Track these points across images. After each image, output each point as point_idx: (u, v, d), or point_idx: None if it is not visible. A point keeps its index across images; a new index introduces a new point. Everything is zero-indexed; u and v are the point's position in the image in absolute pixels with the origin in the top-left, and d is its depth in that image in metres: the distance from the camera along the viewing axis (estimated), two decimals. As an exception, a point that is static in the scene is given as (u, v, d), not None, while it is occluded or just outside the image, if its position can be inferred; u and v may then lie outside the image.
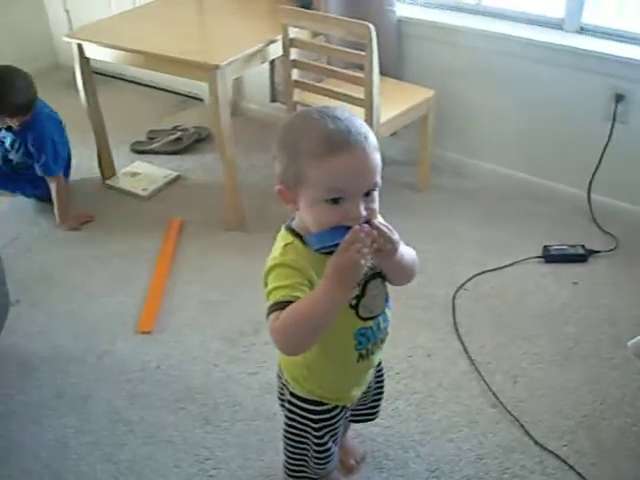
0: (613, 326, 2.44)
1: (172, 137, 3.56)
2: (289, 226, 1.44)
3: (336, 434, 1.68)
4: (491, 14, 3.06)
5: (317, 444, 1.65)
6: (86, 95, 3.12)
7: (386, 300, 1.54)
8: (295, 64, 2.82)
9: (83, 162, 3.44)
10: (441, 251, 2.84)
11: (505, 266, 2.73)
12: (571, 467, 1.97)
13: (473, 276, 2.68)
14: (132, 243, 2.95)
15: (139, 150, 3.55)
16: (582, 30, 2.86)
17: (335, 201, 1.30)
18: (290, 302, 1.33)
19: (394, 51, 3.09)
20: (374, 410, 1.89)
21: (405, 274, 1.51)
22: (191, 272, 2.78)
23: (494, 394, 2.20)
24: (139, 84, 4.17)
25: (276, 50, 2.86)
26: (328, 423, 1.63)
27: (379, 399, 1.87)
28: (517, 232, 2.92)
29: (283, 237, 1.44)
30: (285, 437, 1.69)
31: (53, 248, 2.96)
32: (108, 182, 3.32)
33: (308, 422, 1.62)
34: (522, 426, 2.09)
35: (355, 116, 1.35)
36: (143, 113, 3.95)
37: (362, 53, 2.59)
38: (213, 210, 3.11)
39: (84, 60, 3.02)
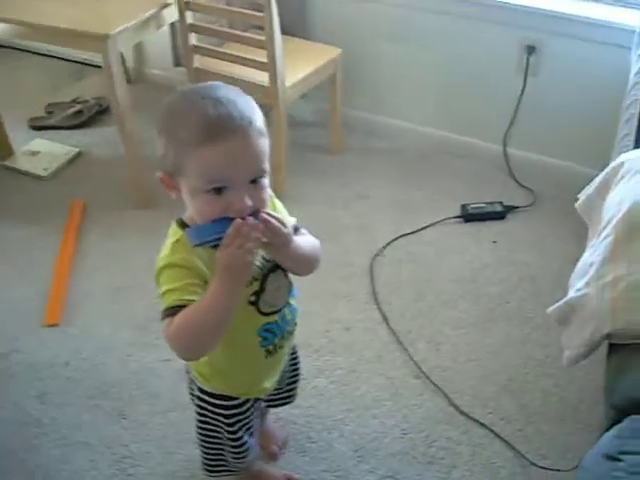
0: (534, 284, 2.43)
1: (72, 110, 3.36)
2: (180, 219, 1.34)
3: (250, 426, 1.61)
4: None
5: (232, 439, 1.58)
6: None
7: (290, 291, 1.46)
8: (192, 28, 2.67)
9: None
10: (357, 216, 2.77)
11: (423, 228, 2.68)
12: (497, 435, 1.95)
13: (391, 241, 2.62)
14: (33, 229, 2.77)
15: (38, 126, 3.34)
16: (491, -21, 2.78)
17: (218, 191, 1.20)
18: (183, 306, 1.24)
19: (297, 9, 2.96)
20: (290, 394, 1.82)
21: (304, 266, 1.43)
22: (97, 257, 2.63)
23: (416, 364, 2.16)
24: (33, 53, 3.89)
25: (172, 14, 2.70)
26: (241, 417, 1.56)
27: (295, 382, 1.80)
28: (434, 191, 2.87)
29: (173, 232, 1.34)
30: (198, 433, 1.62)
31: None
32: (5, 163, 3.11)
33: (219, 417, 1.55)
34: (446, 396, 2.06)
35: (241, 96, 1.25)
36: (39, 85, 3.71)
37: (261, 14, 2.45)
38: (119, 187, 2.94)
39: (-31, 33, 2.80)
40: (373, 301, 2.39)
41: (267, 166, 1.25)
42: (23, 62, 3.90)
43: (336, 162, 3.08)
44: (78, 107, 3.38)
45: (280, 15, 2.49)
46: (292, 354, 1.72)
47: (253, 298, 1.37)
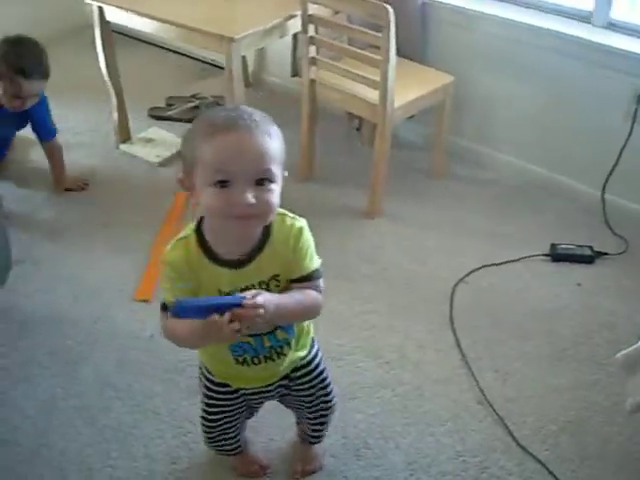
0: (612, 332, 2.40)
1: (190, 105, 3.55)
2: (201, 219, 1.43)
3: (230, 417, 1.71)
4: (519, 2, 2.98)
5: (203, 411, 1.71)
6: (105, 58, 3.11)
7: (282, 326, 1.51)
8: (312, 41, 2.78)
9: (99, 125, 3.45)
10: (447, 241, 2.81)
11: (510, 261, 2.69)
12: (550, 472, 1.96)
13: (476, 269, 2.65)
14: (139, 211, 2.95)
15: (156, 116, 3.54)
16: (610, 26, 2.78)
17: (223, 185, 1.27)
18: None
19: (416, 34, 3.04)
20: (313, 434, 1.88)
21: (293, 321, 1.52)
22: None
23: (481, 391, 2.18)
24: (162, 48, 4.13)
25: (296, 25, 2.83)
26: (220, 401, 1.68)
27: (317, 423, 1.83)
28: (526, 227, 2.88)
29: (187, 228, 1.45)
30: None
31: (59, 211, 2.97)
32: (122, 146, 3.32)
33: (204, 389, 1.70)
34: (506, 426, 2.08)
35: (260, 113, 1.33)
36: (163, 78, 3.93)
37: (379, 35, 2.54)
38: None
39: (104, 23, 3.01)
40: (449, 325, 2.42)
41: (277, 170, 1.30)
42: (154, 56, 4.14)
43: (435, 187, 3.13)
44: (196, 102, 3.56)
45: (399, 37, 2.56)
46: (325, 396, 1.74)
47: None
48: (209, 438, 1.77)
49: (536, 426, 2.09)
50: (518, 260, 2.71)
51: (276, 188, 1.30)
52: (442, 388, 2.21)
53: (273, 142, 1.29)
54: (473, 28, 3.01)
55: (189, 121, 3.47)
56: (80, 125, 3.49)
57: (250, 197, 1.26)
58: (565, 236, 2.78)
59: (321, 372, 1.70)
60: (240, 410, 1.72)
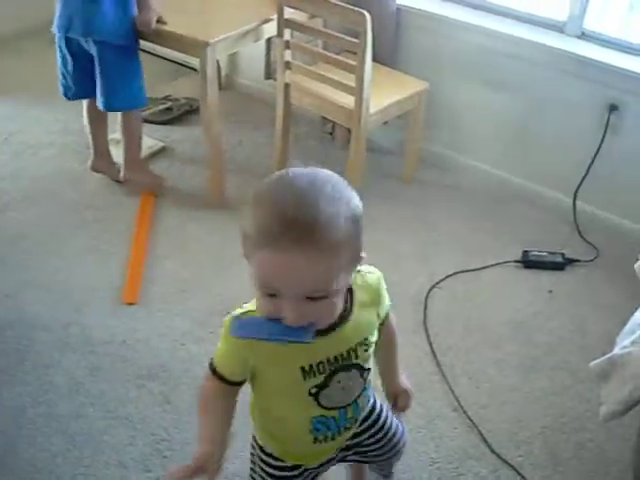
0: (584, 338, 2.43)
1: (162, 106, 3.52)
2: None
3: None
4: (493, 11, 3.01)
5: None
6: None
7: (362, 390, 1.36)
8: (288, 45, 2.78)
9: (70, 125, 3.40)
10: (419, 246, 2.82)
11: (482, 267, 2.71)
12: (524, 478, 1.97)
13: (449, 275, 2.66)
14: (109, 213, 2.93)
15: (128, 117, 3.50)
16: (583, 35, 2.82)
17: (271, 295, 1.11)
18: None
19: (390, 39, 3.05)
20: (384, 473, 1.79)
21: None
22: (167, 247, 2.76)
23: (456, 398, 2.19)
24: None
25: (271, 29, 2.82)
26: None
27: (383, 460, 1.68)
28: (498, 234, 2.90)
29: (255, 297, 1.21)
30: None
31: (28, 211, 2.92)
32: (93, 149, 3.27)
33: (264, 471, 1.48)
34: (480, 433, 2.09)
35: (328, 194, 1.08)
36: (136, 79, 3.88)
37: (355, 40, 2.54)
38: (195, 185, 3.08)
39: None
40: (423, 331, 2.43)
41: (334, 286, 1.10)
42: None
43: (408, 192, 3.14)
44: (168, 104, 3.53)
45: (373, 43, 2.57)
46: (395, 441, 1.62)
47: (314, 390, 1.28)
48: None
49: (510, 433, 2.11)
50: (490, 266, 2.73)
51: (335, 299, 1.13)
52: (416, 394, 2.15)
53: (334, 257, 1.07)
54: (446, 35, 3.02)
55: (161, 123, 3.47)
56: (51, 125, 3.44)
57: (296, 316, 1.10)
58: (537, 243, 2.81)
59: (383, 416, 1.57)
60: None
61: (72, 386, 2.19)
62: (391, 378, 1.52)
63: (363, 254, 1.18)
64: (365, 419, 1.50)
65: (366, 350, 1.30)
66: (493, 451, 2.04)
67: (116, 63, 2.71)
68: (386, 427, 1.57)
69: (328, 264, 1.07)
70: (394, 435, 1.60)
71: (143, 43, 2.81)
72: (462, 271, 2.69)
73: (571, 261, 2.74)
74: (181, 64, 3.95)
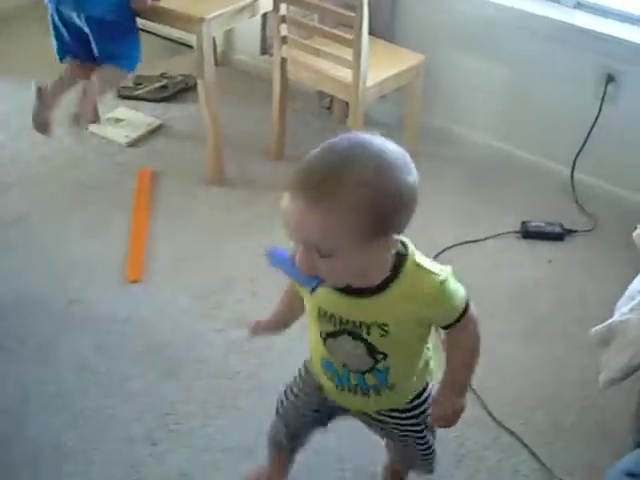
0: (582, 307, 2.45)
1: (158, 84, 3.51)
2: None
3: (289, 407, 1.60)
4: (490, -19, 2.99)
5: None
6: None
7: (378, 371, 1.37)
8: (284, 19, 2.77)
9: (66, 105, 3.38)
10: (419, 218, 2.76)
11: (482, 239, 2.73)
12: (525, 445, 2.00)
13: (448, 247, 2.67)
14: (108, 192, 2.93)
15: (124, 95, 3.49)
16: (579, 5, 2.81)
17: None
18: None
19: (387, 12, 3.03)
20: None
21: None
22: (168, 224, 2.76)
23: (457, 368, 2.21)
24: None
25: (266, 4, 2.81)
26: (297, 388, 1.58)
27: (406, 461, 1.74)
28: (497, 205, 2.91)
29: None
30: None
31: (29, 192, 2.92)
32: (91, 127, 3.26)
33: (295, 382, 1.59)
34: (482, 402, 2.11)
35: (362, 158, 1.13)
36: (131, 57, 3.87)
37: (352, 14, 2.53)
38: (193, 161, 3.08)
39: None
40: (423, 303, 2.45)
41: (333, 246, 1.14)
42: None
43: (405, 165, 3.14)
44: (164, 82, 3.52)
45: (369, 16, 2.56)
46: (421, 452, 1.62)
47: (324, 335, 1.36)
48: (276, 409, 1.65)
49: (511, 401, 2.13)
50: (489, 238, 2.74)
51: (341, 263, 1.16)
52: None
53: (334, 218, 1.10)
54: (442, 7, 3.02)
55: (158, 100, 3.47)
56: (47, 105, 3.43)
57: (301, 264, 1.17)
58: (535, 214, 2.82)
59: (420, 425, 1.54)
60: (314, 408, 1.59)
61: (77, 364, 2.21)
62: (442, 385, 1.45)
63: (396, 237, 1.20)
64: (404, 410, 1.50)
65: (383, 336, 1.30)
66: (495, 419, 2.07)
67: (111, 38, 2.71)
68: (417, 428, 1.54)
69: (327, 223, 1.11)
70: (424, 444, 1.59)
71: (139, 20, 2.80)
72: (461, 243, 2.70)
73: (570, 231, 2.75)
74: (176, 41, 3.92)
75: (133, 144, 3.20)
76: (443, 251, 2.65)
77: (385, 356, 1.34)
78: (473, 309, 1.38)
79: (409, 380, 1.45)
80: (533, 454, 1.98)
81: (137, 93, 3.49)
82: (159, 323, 2.35)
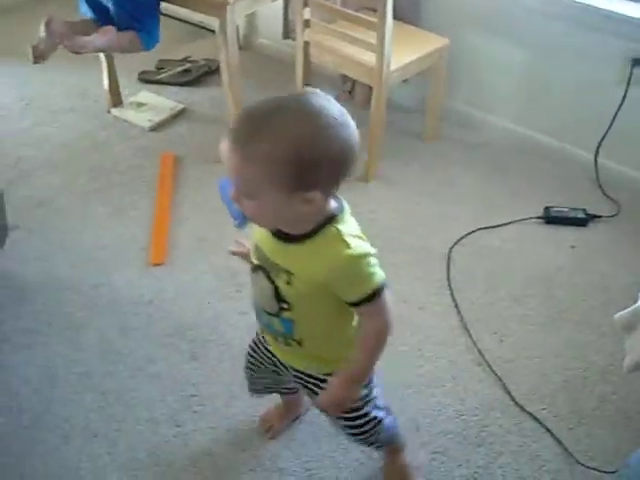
0: (605, 293, 2.44)
1: (181, 68, 3.52)
2: None
3: (252, 364, 1.73)
4: (513, -36, 2.96)
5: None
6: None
7: (284, 320, 1.42)
8: (306, 2, 2.76)
9: (90, 89, 3.42)
10: (441, 204, 2.83)
11: (504, 224, 2.72)
12: (547, 430, 2.00)
13: (471, 232, 2.67)
14: (131, 175, 2.95)
15: (147, 79, 3.51)
16: (605, -12, 2.78)
17: None
18: None
19: (411, -4, 3.02)
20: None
21: (375, 363, 1.45)
22: (189, 208, 2.78)
23: (480, 352, 2.22)
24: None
25: (290, -12, 2.80)
26: (251, 349, 1.72)
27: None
28: (520, 190, 2.90)
29: None
30: None
31: (53, 177, 2.95)
32: (113, 111, 3.29)
33: None
34: (504, 386, 2.12)
35: (291, 115, 1.20)
36: (154, 41, 3.88)
37: (376, -3, 2.53)
38: (216, 146, 3.06)
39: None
40: (447, 286, 2.45)
41: (246, 190, 1.23)
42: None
43: (428, 150, 3.14)
44: (187, 66, 3.53)
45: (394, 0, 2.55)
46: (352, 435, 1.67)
47: (252, 266, 1.43)
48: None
49: (533, 386, 2.13)
50: (512, 223, 2.73)
51: (258, 208, 1.25)
52: (441, 349, 2.24)
53: (250, 163, 1.19)
54: (467, -10, 3.00)
55: (181, 85, 3.48)
56: (70, 90, 3.46)
57: (232, 197, 1.27)
58: (558, 199, 2.81)
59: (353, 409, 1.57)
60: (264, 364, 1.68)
61: (102, 345, 2.24)
62: (340, 370, 1.42)
63: (320, 195, 1.22)
64: (321, 380, 1.53)
65: (288, 284, 1.33)
66: (517, 404, 2.07)
67: (132, 10, 2.76)
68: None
69: (244, 166, 1.19)
70: (342, 425, 1.63)
71: (162, 5, 2.81)
72: (484, 227, 2.69)
73: (593, 217, 2.74)
74: (199, 25, 3.93)
75: (156, 128, 3.22)
76: (466, 235, 2.65)
77: (289, 306, 1.37)
78: (389, 300, 1.35)
79: (322, 346, 1.47)
80: (556, 439, 1.98)
81: (160, 77, 3.50)
82: (183, 305, 2.37)
